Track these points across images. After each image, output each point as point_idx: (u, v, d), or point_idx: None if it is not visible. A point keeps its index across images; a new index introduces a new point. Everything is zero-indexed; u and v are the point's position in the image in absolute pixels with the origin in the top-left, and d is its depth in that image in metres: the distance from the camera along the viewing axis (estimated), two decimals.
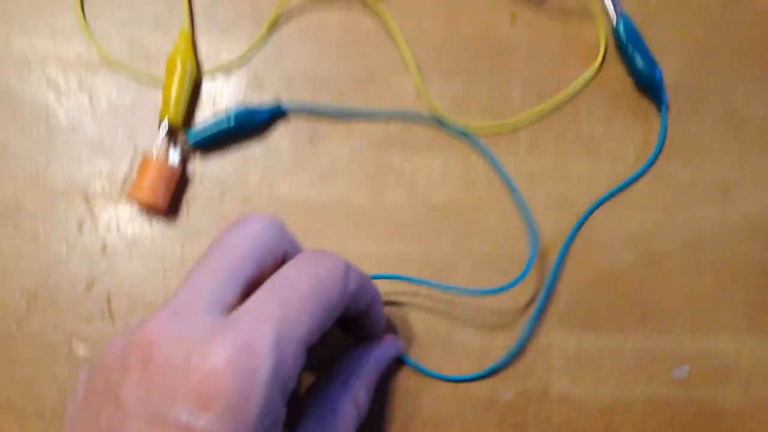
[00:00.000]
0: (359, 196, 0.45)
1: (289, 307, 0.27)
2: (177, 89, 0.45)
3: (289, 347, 0.26)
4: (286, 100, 0.46)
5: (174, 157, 0.44)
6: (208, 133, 0.45)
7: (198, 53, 0.47)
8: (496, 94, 0.47)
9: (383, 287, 0.40)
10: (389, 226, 0.45)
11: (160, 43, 0.47)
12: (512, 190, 0.45)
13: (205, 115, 0.46)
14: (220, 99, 0.47)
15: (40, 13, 0.47)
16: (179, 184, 0.44)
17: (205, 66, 0.47)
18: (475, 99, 0.47)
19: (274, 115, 0.46)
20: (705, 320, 0.44)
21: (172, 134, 0.45)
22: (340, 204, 0.45)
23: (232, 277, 0.29)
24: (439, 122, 0.46)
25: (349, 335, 0.38)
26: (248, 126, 0.45)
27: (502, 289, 0.42)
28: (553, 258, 0.44)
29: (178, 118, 0.45)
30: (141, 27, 0.48)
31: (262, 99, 0.47)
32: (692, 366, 0.43)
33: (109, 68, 0.47)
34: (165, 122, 0.44)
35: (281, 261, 0.31)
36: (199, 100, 0.47)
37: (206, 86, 0.47)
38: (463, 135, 0.46)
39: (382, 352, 0.37)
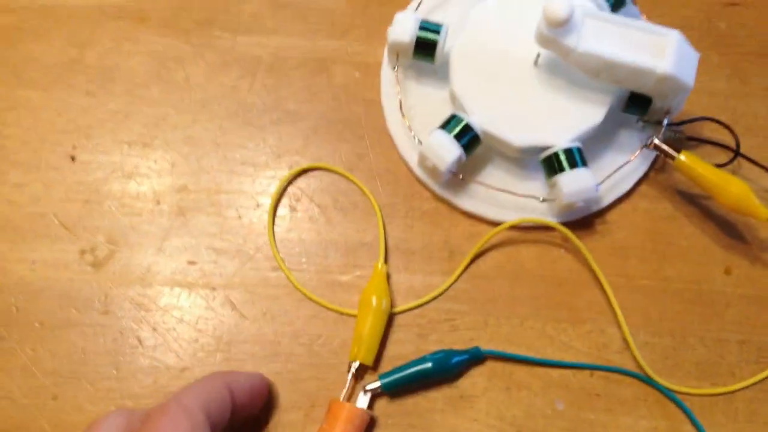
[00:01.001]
0: None
1: None
2: (370, 329, 0.43)
3: None
4: (479, 342, 0.44)
5: (363, 401, 0.42)
6: (403, 379, 0.43)
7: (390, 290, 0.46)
8: (709, 353, 0.45)
9: None
10: None
11: (347, 271, 0.46)
12: None
13: (390, 347, 0.45)
14: (406, 336, 0.45)
15: None
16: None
17: (398, 302, 0.46)
18: (685, 356, 0.45)
19: (473, 359, 0.44)
20: None
21: (359, 373, 0.43)
22: None
23: None
24: (646, 381, 0.44)
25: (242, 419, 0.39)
26: (444, 370, 0.43)
27: None
28: None
29: (370, 360, 0.43)
30: (330, 258, 0.47)
31: (454, 339, 0.45)
32: None
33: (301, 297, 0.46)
34: (356, 364, 0.42)
35: None
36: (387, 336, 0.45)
37: (397, 321, 0.45)
38: (672, 398, 0.43)
39: None
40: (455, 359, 0.43)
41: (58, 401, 0.42)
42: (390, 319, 0.45)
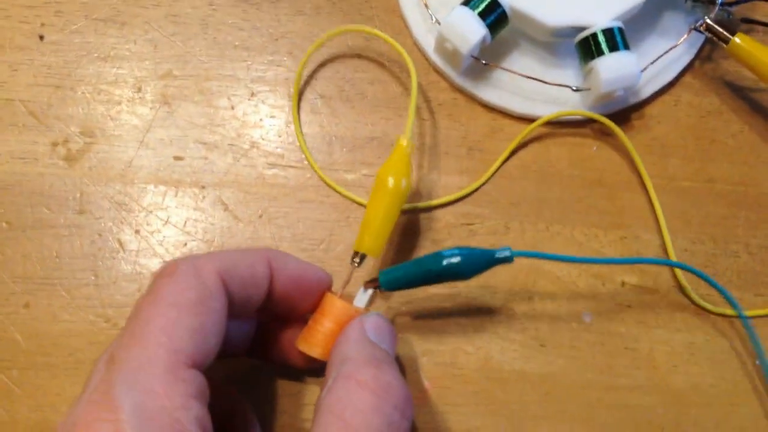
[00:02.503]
0: (584, 373, 0.39)
1: (134, 340, 0.25)
2: (383, 214, 0.36)
3: (149, 380, 0.24)
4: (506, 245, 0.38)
5: (362, 299, 0.35)
6: (410, 278, 0.35)
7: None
8: (753, 261, 0.41)
9: None
10: (620, 413, 0.38)
11: (353, 168, 0.41)
12: None
13: (399, 254, 0.40)
14: (419, 242, 0.40)
15: None
16: None
17: (420, 194, 0.41)
18: (727, 264, 0.41)
19: (499, 261, 0.36)
20: None
21: (363, 265, 0.37)
22: (561, 380, 0.39)
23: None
24: (690, 271, 0.39)
25: (300, 315, 0.34)
26: (464, 270, 0.35)
27: None
28: None
29: (377, 252, 0.36)
30: (334, 155, 0.42)
31: (477, 240, 0.39)
32: None
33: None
34: (360, 255, 0.36)
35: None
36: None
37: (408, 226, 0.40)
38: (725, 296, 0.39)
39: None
40: (483, 261, 0.35)
41: (31, 309, 0.38)
42: (399, 221, 0.39)
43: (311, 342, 0.33)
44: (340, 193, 0.40)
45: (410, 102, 0.38)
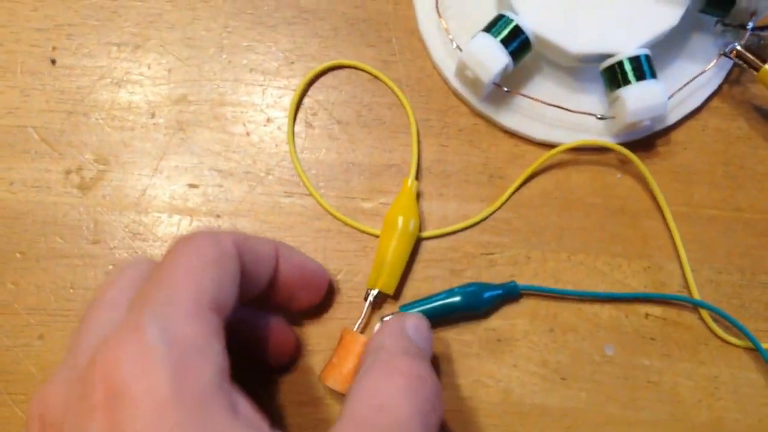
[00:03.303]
0: (606, 407, 0.38)
1: (162, 283, 0.26)
2: (394, 253, 0.37)
3: (175, 315, 0.25)
4: (521, 280, 0.39)
5: None
6: (426, 312, 0.37)
7: (420, 212, 0.40)
8: None
9: None
10: None
11: (371, 197, 0.41)
12: None
13: (418, 284, 0.39)
14: (437, 272, 0.39)
15: None
16: None
17: (427, 226, 0.40)
18: (754, 296, 0.40)
19: (507, 295, 0.38)
20: None
21: (378, 303, 0.39)
22: (582, 414, 0.38)
23: (110, 310, 0.28)
24: (713, 309, 0.39)
25: (296, 308, 0.36)
26: (473, 306, 0.38)
27: None
28: None
29: (390, 288, 0.38)
30: (352, 182, 0.41)
31: (492, 276, 0.40)
32: None
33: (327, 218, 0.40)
34: (374, 292, 0.37)
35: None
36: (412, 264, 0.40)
37: (427, 255, 0.40)
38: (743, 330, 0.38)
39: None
40: (487, 294, 0.38)
41: (45, 341, 0.37)
42: (418, 249, 0.39)
43: (338, 379, 0.34)
44: (350, 225, 0.39)
45: (411, 141, 0.38)
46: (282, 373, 0.37)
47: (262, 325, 0.35)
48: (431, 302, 0.37)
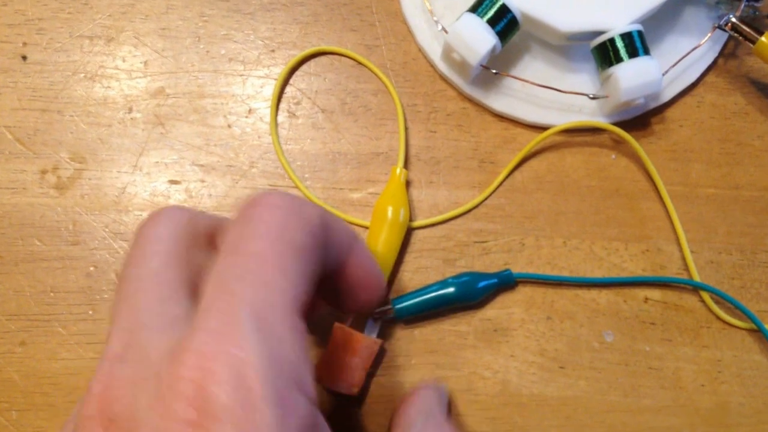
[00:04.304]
0: (606, 395, 0.37)
1: (252, 276, 0.21)
2: (384, 244, 0.36)
3: (275, 326, 0.21)
4: (515, 267, 0.38)
5: (372, 329, 0.36)
6: (420, 305, 0.36)
7: (410, 199, 0.39)
8: None
9: None
10: None
11: (359, 187, 0.39)
12: None
13: (410, 275, 0.38)
14: (429, 263, 0.38)
15: None
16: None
17: (417, 214, 0.39)
18: (755, 275, 0.39)
19: (503, 284, 0.37)
20: None
21: None
22: (582, 403, 0.37)
23: (165, 285, 0.23)
24: (714, 291, 0.38)
25: (347, 310, 0.32)
26: (468, 296, 0.36)
27: None
28: None
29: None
30: (338, 172, 0.40)
31: (486, 264, 0.38)
32: None
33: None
34: None
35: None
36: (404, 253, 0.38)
37: (419, 245, 0.39)
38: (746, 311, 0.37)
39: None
40: (482, 284, 0.36)
41: (27, 348, 0.36)
42: (409, 239, 0.38)
43: (341, 378, 0.33)
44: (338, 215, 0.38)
45: (399, 128, 0.37)
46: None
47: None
48: (424, 294, 0.36)
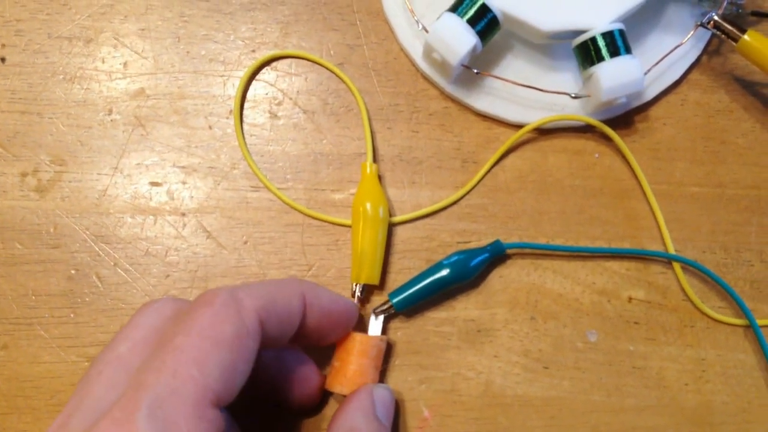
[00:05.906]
0: (590, 395, 0.37)
1: (165, 368, 0.23)
2: (370, 241, 0.36)
3: (173, 414, 0.22)
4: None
5: (376, 327, 0.36)
6: (417, 294, 0.36)
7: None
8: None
9: None
10: None
11: (341, 187, 0.39)
12: None
13: (394, 276, 0.38)
14: (413, 263, 0.38)
15: None
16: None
17: (400, 215, 0.39)
18: (739, 274, 0.38)
19: (494, 256, 0.37)
20: None
21: (366, 296, 0.37)
22: (566, 403, 0.37)
23: (122, 370, 0.25)
24: (706, 271, 0.37)
25: (331, 342, 0.33)
26: (464, 274, 0.36)
27: None
28: None
29: (375, 278, 0.36)
30: (320, 173, 0.39)
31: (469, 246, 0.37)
32: None
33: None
34: (359, 286, 0.36)
35: None
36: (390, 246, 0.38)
37: (401, 245, 0.39)
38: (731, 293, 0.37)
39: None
40: (475, 261, 0.36)
41: (9, 351, 0.36)
42: (393, 240, 0.38)
43: (344, 382, 0.33)
44: (318, 218, 0.38)
45: (363, 124, 0.38)
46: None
47: (286, 367, 0.33)
48: (419, 282, 0.36)
